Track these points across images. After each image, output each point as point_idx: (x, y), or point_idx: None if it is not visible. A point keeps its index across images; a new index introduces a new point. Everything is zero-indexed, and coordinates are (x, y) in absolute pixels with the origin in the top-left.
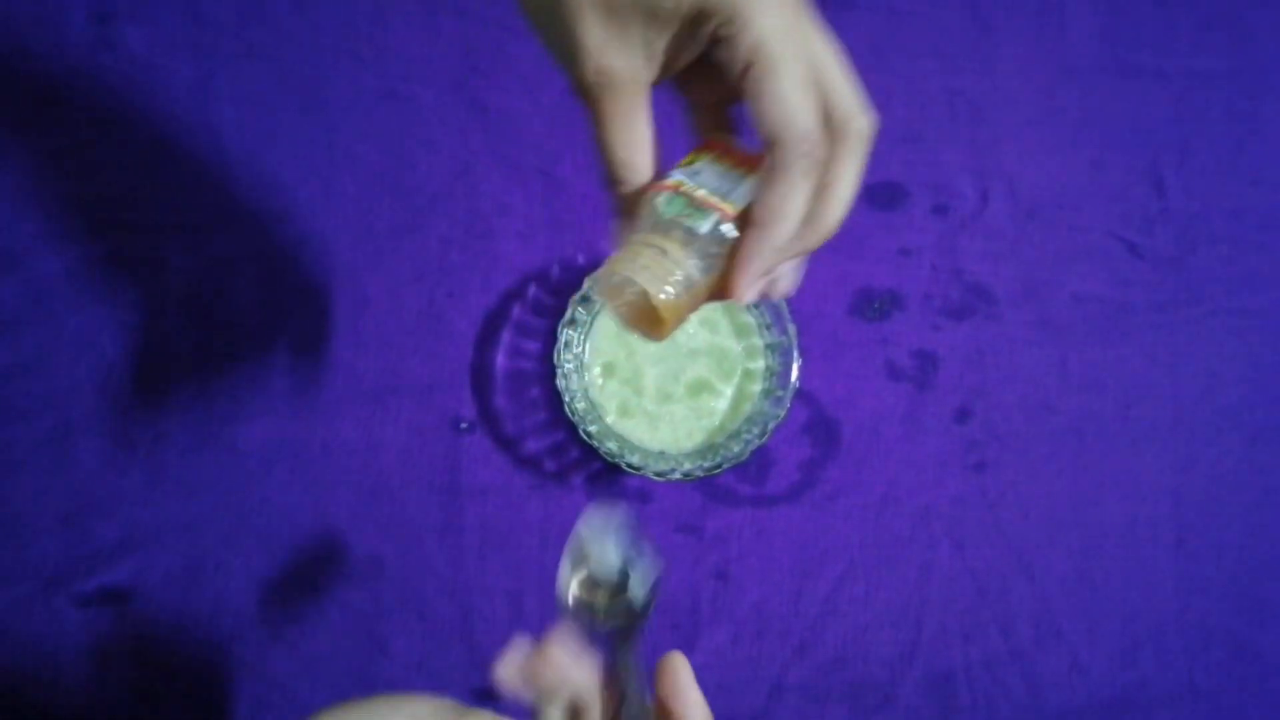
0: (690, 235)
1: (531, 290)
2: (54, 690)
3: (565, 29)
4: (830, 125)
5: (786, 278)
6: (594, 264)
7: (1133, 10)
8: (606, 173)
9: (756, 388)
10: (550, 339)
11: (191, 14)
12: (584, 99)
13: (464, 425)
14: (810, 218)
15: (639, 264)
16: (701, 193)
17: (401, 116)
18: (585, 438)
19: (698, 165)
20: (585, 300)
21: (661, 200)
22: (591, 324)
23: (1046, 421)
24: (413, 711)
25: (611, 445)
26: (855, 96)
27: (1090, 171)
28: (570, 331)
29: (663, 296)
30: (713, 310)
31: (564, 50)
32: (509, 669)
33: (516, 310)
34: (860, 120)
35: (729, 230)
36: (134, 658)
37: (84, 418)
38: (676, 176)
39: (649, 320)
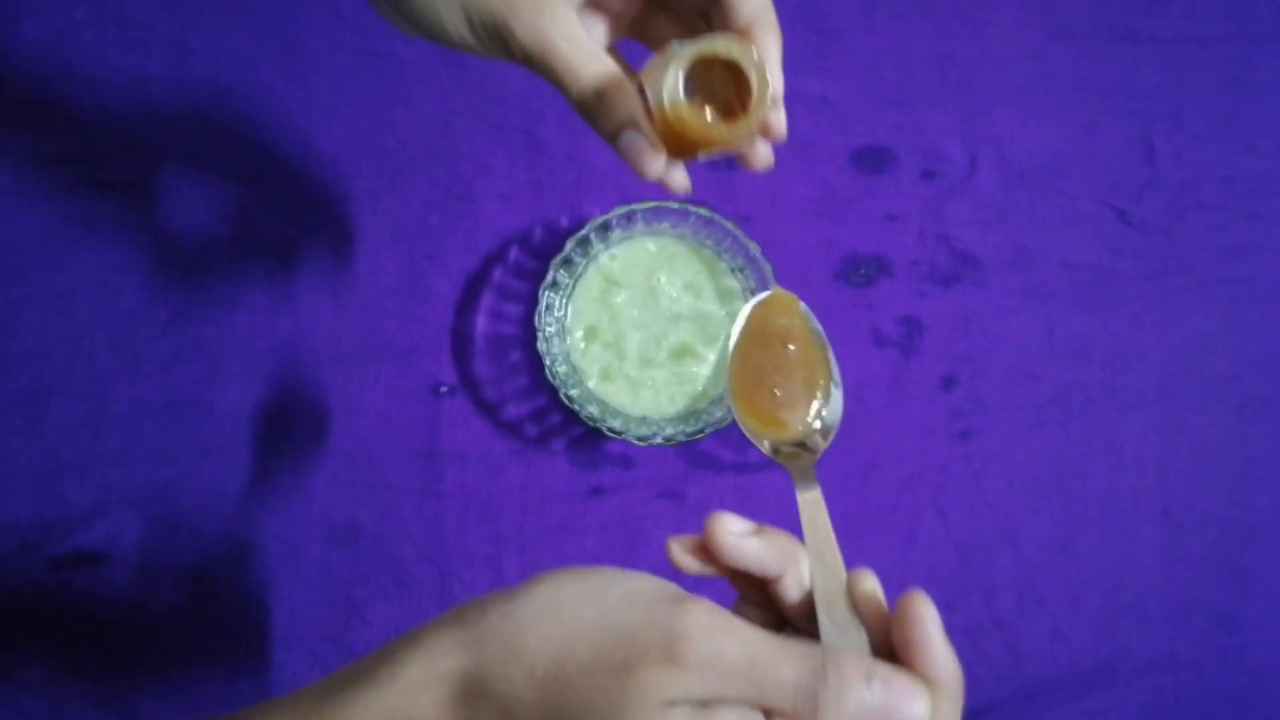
0: None
1: (513, 253)
2: (28, 652)
3: None
4: None
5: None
6: (576, 226)
7: None
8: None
9: None
10: (531, 302)
11: None
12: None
13: (444, 390)
14: None
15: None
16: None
17: (380, 74)
18: (566, 402)
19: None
20: (567, 263)
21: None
22: (573, 288)
23: (1032, 390)
24: (633, 588)
25: (593, 410)
26: None
27: (1080, 138)
28: (552, 295)
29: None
30: (696, 275)
31: None
32: (681, 548)
33: (497, 273)
34: None
35: None
36: (109, 620)
37: (57, 379)
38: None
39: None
